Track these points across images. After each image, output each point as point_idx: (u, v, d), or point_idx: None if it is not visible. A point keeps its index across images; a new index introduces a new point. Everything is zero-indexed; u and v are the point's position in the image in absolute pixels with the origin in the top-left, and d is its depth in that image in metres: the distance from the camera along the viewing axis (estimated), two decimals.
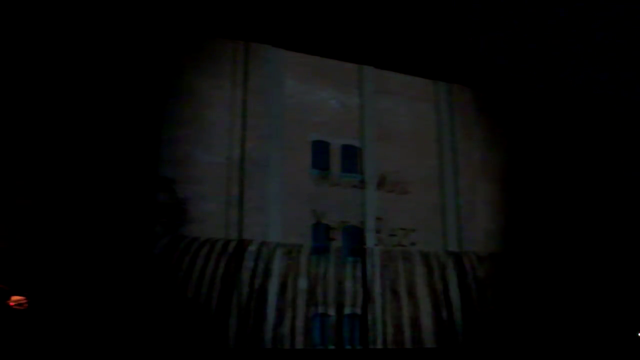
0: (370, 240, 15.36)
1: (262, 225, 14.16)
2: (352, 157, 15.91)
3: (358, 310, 14.73)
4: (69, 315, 11.71)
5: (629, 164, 17.98)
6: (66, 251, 12.12)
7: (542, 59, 17.52)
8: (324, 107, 15.80)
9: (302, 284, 14.21)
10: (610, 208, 17.96)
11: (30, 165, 12.50)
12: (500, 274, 16.64)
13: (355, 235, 15.37)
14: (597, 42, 16.36)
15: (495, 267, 16.68)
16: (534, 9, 16.03)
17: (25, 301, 11.61)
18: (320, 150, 15.53)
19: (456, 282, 16.06)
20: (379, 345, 14.61)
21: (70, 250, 12.13)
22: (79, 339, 11.57)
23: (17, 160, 12.41)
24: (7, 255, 11.83)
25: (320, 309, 14.30)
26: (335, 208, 15.19)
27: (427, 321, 15.33)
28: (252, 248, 13.86)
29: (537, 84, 18.25)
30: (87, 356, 11.48)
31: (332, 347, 14.23)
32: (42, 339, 11.44)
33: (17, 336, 11.36)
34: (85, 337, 11.62)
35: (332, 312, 14.41)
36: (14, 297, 11.60)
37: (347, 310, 14.61)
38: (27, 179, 12.41)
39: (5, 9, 12.52)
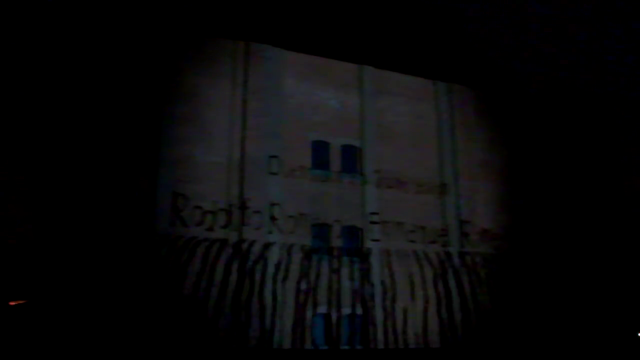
0: (370, 240, 15.36)
1: (262, 225, 14.15)
2: (352, 157, 15.91)
3: (358, 310, 14.72)
4: (69, 314, 11.71)
5: (629, 164, 17.98)
6: (66, 250, 12.12)
7: (542, 59, 17.52)
8: (324, 107, 15.81)
9: (302, 283, 14.20)
10: (611, 208, 17.95)
11: (31, 165, 12.50)
12: (500, 274, 16.64)
13: (355, 235, 15.37)
14: (596, 42, 16.36)
15: (495, 267, 16.68)
16: (534, 10, 16.03)
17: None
18: (320, 150, 15.53)
19: (456, 282, 16.05)
20: (379, 345, 14.61)
21: (70, 249, 12.13)
22: (79, 338, 11.57)
23: (18, 160, 12.41)
24: (8, 254, 11.83)
25: (321, 309, 14.30)
26: (335, 208, 15.19)
27: (426, 321, 15.32)
28: (252, 248, 13.85)
29: (537, 84, 18.26)
30: (87, 356, 11.48)
31: (332, 347, 14.22)
32: (42, 338, 11.44)
33: (17, 336, 11.37)
34: (86, 337, 11.62)
35: (332, 311, 14.40)
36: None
37: (347, 310, 14.61)
38: (28, 179, 12.41)
39: (6, 9, 12.53)
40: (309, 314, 14.08)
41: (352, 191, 15.62)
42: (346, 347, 14.40)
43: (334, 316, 14.40)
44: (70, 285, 11.91)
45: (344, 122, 15.98)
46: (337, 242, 14.98)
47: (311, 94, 15.71)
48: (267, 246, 14.02)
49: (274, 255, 14.05)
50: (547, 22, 16.27)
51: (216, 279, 13.28)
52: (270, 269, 13.91)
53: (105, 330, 11.77)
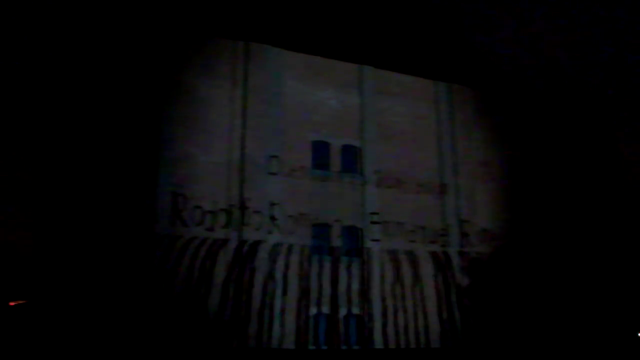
0: (369, 240, 15.36)
1: (262, 225, 14.15)
2: (352, 157, 15.91)
3: (357, 310, 14.73)
4: (69, 314, 11.71)
5: (629, 164, 17.99)
6: (66, 250, 12.12)
7: (542, 59, 17.52)
8: (324, 107, 15.81)
9: (302, 284, 14.21)
10: (611, 208, 17.96)
11: (31, 165, 12.51)
12: (500, 274, 16.64)
13: (355, 235, 15.38)
14: (596, 43, 16.36)
15: (495, 267, 16.69)
16: (533, 10, 16.04)
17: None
18: (320, 150, 15.53)
19: (456, 282, 16.06)
20: (378, 345, 14.61)
21: (70, 249, 12.14)
22: (79, 338, 11.57)
23: (18, 160, 12.42)
24: (8, 254, 11.83)
25: (320, 309, 14.30)
26: (335, 208, 15.19)
27: (426, 321, 15.33)
28: (252, 248, 13.85)
29: (537, 84, 18.26)
30: (87, 356, 11.48)
31: (332, 347, 14.23)
32: (42, 338, 11.45)
33: (17, 336, 11.37)
34: (86, 337, 11.62)
35: (332, 311, 14.40)
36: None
37: (346, 311, 14.61)
38: (27, 179, 12.42)
39: (6, 9, 12.52)
40: (309, 314, 14.08)
41: (352, 191, 15.62)
42: (346, 348, 14.40)
43: (334, 316, 14.40)
44: (71, 286, 11.91)
45: (344, 122, 15.98)
46: (337, 242, 14.99)
47: (311, 94, 15.71)
48: (267, 246, 14.02)
49: (274, 255, 14.05)
50: (547, 22, 16.27)
51: (216, 279, 13.29)
52: (270, 270, 13.91)
53: (105, 330, 11.77)
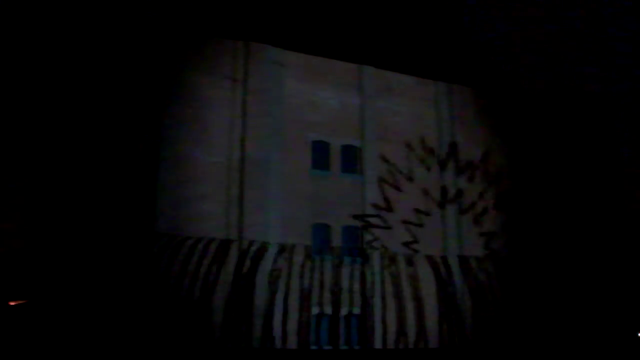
0: (369, 240, 15.35)
1: (262, 225, 14.15)
2: (352, 157, 15.91)
3: (357, 310, 14.73)
4: (69, 314, 11.70)
5: (629, 164, 17.99)
6: (66, 251, 12.11)
7: (542, 58, 17.52)
8: (324, 107, 15.81)
9: (302, 284, 14.20)
10: (611, 208, 17.96)
11: (30, 165, 12.49)
12: (500, 276, 16.64)
13: (355, 235, 15.37)
14: (596, 43, 16.36)
15: (495, 269, 16.68)
16: (534, 10, 16.04)
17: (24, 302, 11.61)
18: (320, 150, 15.53)
19: (455, 283, 16.05)
20: (378, 345, 14.61)
21: (70, 249, 12.12)
22: (79, 339, 11.56)
23: (17, 161, 12.40)
24: (7, 255, 11.82)
25: (320, 309, 14.30)
26: (335, 208, 15.19)
27: (426, 321, 15.33)
28: (252, 248, 13.85)
29: (537, 84, 18.26)
30: (87, 356, 11.47)
31: (334, 347, 14.22)
32: (42, 338, 11.43)
33: (17, 336, 11.35)
34: (86, 337, 11.61)
35: (333, 312, 14.39)
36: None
37: (346, 311, 14.61)
38: (27, 180, 12.40)
39: (6, 9, 12.51)
40: (310, 314, 14.08)
41: (352, 191, 15.61)
42: (345, 348, 14.40)
43: (335, 316, 14.40)
44: (71, 286, 11.90)
45: (344, 122, 15.98)
46: (337, 242, 14.99)
47: (311, 94, 15.71)
48: (267, 246, 14.01)
49: (274, 256, 14.04)
50: (547, 22, 16.27)
51: (216, 280, 13.27)
52: (270, 270, 13.90)
53: (105, 330, 11.76)
